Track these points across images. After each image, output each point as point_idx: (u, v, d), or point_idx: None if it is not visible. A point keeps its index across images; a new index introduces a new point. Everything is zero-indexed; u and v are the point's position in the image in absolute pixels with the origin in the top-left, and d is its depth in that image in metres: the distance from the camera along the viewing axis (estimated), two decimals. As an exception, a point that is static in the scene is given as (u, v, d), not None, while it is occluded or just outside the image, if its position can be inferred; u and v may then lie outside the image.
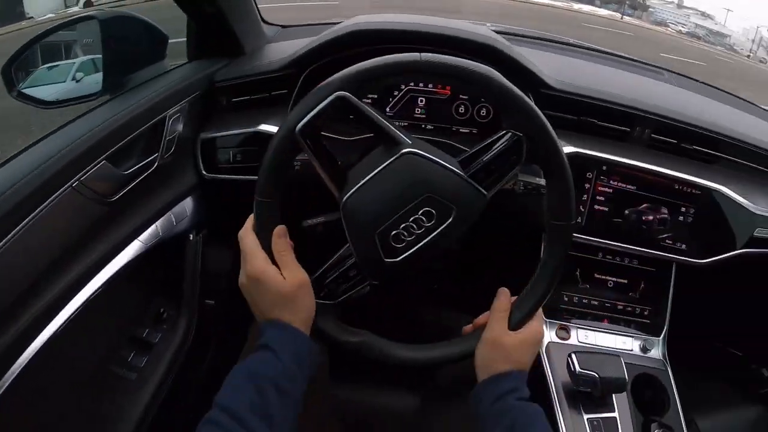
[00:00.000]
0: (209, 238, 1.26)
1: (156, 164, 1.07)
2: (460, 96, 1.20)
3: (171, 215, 1.14)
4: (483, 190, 0.80)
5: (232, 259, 1.36)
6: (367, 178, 0.78)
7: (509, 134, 0.79)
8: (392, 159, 0.78)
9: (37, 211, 0.82)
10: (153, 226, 1.09)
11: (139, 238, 1.05)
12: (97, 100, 1.11)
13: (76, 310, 0.90)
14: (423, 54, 0.77)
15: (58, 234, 0.87)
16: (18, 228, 0.79)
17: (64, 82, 1.30)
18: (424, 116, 1.22)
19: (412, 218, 0.77)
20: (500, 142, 0.79)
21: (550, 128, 0.79)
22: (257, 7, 1.38)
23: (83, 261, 0.93)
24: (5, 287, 0.79)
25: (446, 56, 0.78)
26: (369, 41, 1.15)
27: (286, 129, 0.78)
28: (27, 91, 1.19)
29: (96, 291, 0.94)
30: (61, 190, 0.86)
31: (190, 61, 1.32)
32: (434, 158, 0.78)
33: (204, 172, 1.19)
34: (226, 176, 1.19)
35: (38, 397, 0.91)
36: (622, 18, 23.70)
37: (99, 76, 1.21)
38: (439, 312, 1.37)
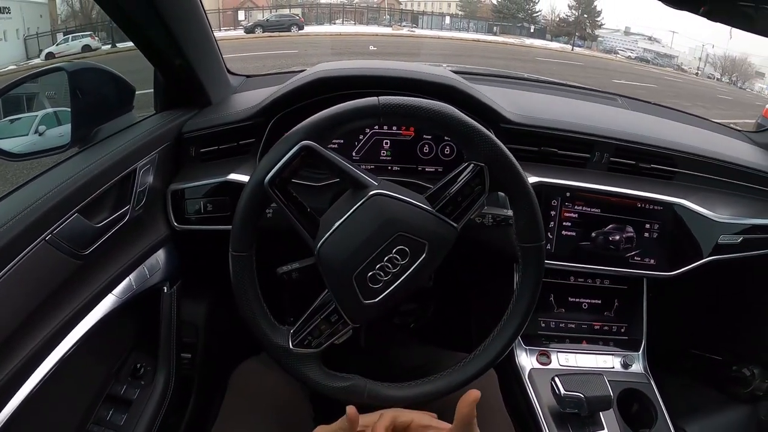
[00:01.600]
0: (184, 289, 1.25)
1: (128, 216, 1.07)
2: (424, 136, 1.24)
3: (144, 268, 1.13)
4: (453, 223, 0.81)
5: (207, 309, 1.36)
6: (338, 223, 0.80)
7: (471, 165, 0.81)
8: (361, 202, 0.80)
9: (9, 265, 0.81)
10: (127, 279, 1.08)
11: (113, 291, 1.04)
12: (65, 153, 1.11)
13: (51, 369, 0.88)
14: (381, 98, 0.80)
15: (31, 289, 0.86)
16: None
17: (27, 135, 1.29)
18: (389, 158, 1.25)
19: (386, 258, 0.79)
20: (464, 174, 0.81)
21: (510, 155, 0.81)
22: (222, 58, 1.40)
23: (57, 317, 0.91)
24: None
25: (403, 98, 0.81)
26: (332, 88, 1.18)
27: (254, 182, 0.80)
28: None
29: (70, 348, 0.92)
30: (34, 243, 0.85)
31: (157, 112, 1.33)
32: (401, 197, 0.81)
33: (175, 224, 1.19)
34: (198, 227, 1.19)
35: None
36: (572, 49, 24.70)
37: (62, 129, 1.21)
38: (416, 348, 1.38)
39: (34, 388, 0.85)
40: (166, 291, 1.19)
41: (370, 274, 0.79)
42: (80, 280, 0.97)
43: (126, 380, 1.17)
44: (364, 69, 1.23)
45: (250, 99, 1.29)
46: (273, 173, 0.78)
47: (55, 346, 0.90)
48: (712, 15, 0.74)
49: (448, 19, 28.33)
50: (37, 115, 1.31)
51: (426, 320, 1.61)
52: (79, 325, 0.95)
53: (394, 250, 0.79)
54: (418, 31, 24.67)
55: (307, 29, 21.69)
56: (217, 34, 1.36)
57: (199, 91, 1.30)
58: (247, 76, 1.58)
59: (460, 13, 29.53)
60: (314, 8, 26.25)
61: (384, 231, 0.79)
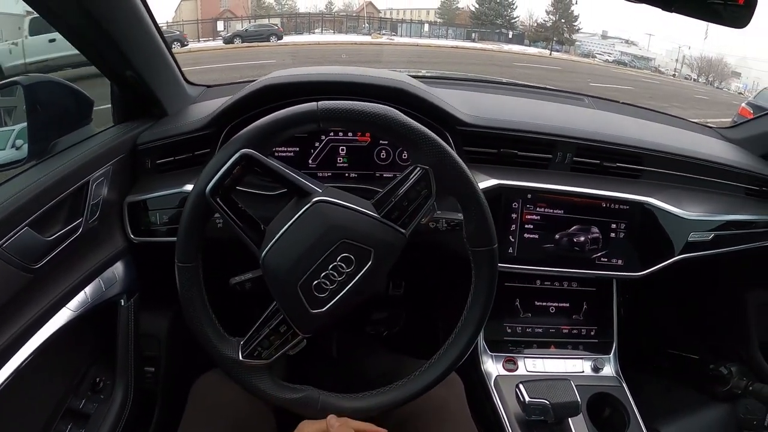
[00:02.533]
0: (143, 302, 1.23)
1: (81, 229, 1.04)
2: (381, 142, 1.22)
3: (100, 281, 1.11)
4: (400, 229, 0.80)
5: (169, 322, 1.33)
6: (282, 231, 0.79)
7: (417, 169, 0.80)
8: (304, 209, 0.79)
9: None
10: (82, 293, 1.06)
11: (68, 305, 1.02)
12: (21, 167, 1.08)
13: (2, 383, 0.86)
14: (320, 102, 0.79)
15: None
16: None
17: (4, 149, 1.26)
18: (346, 165, 1.23)
19: (331, 266, 0.78)
20: (409, 178, 0.80)
21: (455, 156, 0.80)
22: (180, 69, 1.38)
23: (7, 331, 0.89)
24: None
25: (343, 101, 0.80)
26: (282, 96, 1.16)
27: (196, 192, 0.79)
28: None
29: (24, 361, 0.90)
30: None
31: (115, 124, 1.30)
32: (345, 203, 0.79)
33: (132, 236, 1.17)
34: (155, 239, 1.17)
35: None
36: (550, 54, 24.96)
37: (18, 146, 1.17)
38: (387, 357, 1.35)
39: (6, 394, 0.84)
40: (123, 304, 1.17)
41: (315, 282, 0.78)
42: (31, 294, 0.95)
43: (85, 394, 1.14)
44: (308, 75, 1.21)
45: (206, 109, 1.27)
46: (213, 183, 0.77)
47: (6, 361, 0.88)
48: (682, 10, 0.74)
49: (426, 27, 28.55)
50: (14, 129, 1.28)
51: (398, 329, 1.58)
52: (32, 339, 0.93)
53: (339, 258, 0.78)
54: (397, 39, 24.81)
55: (286, 39, 21.74)
56: (196, 45, 1.35)
57: (154, 102, 1.28)
58: (208, 86, 1.56)
59: (438, 20, 29.79)
60: (293, 18, 26.31)
61: (327, 238, 0.78)
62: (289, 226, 0.79)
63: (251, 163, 0.78)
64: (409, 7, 31.18)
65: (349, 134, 1.21)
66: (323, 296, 0.78)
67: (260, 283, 0.84)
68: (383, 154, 1.22)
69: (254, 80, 1.30)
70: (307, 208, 0.79)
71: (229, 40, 21.21)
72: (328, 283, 0.78)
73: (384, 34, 25.85)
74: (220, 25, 23.99)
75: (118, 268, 1.16)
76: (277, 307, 0.82)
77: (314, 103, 0.79)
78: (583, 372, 1.25)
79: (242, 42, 20.69)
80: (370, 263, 0.79)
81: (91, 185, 1.08)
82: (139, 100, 1.29)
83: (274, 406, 1.10)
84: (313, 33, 25.15)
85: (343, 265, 0.78)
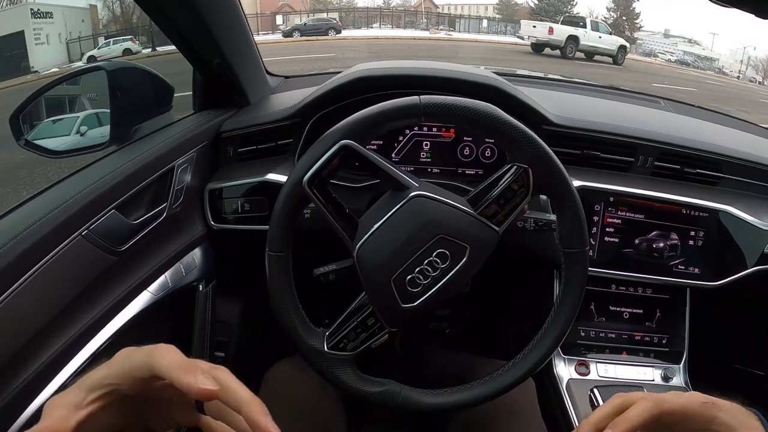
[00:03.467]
0: (219, 288, 1.25)
1: (165, 214, 1.07)
2: (465, 138, 1.21)
3: (180, 266, 1.14)
4: (494, 227, 0.79)
5: (241, 309, 1.36)
6: (378, 224, 0.78)
7: (514, 167, 0.79)
8: (401, 203, 0.78)
9: (45, 259, 0.82)
10: (162, 277, 1.08)
11: (149, 288, 1.05)
12: (104, 151, 1.13)
13: (83, 363, 0.89)
14: (422, 97, 0.79)
15: (66, 283, 0.87)
16: (26, 276, 0.79)
17: (69, 135, 1.31)
18: (429, 160, 1.23)
19: (426, 261, 0.78)
20: (506, 177, 0.79)
21: (554, 156, 0.80)
22: (262, 59, 1.41)
23: (92, 311, 0.92)
24: (8, 339, 0.78)
25: (445, 97, 0.79)
26: (371, 88, 1.17)
27: (293, 181, 0.80)
28: (34, 141, 1.21)
29: (104, 343, 0.93)
30: (71, 238, 0.86)
31: (196, 112, 1.34)
32: (443, 199, 0.79)
33: (212, 223, 1.19)
34: (234, 226, 1.19)
35: None
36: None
37: (103, 130, 1.23)
38: (451, 355, 1.35)
39: (65, 380, 0.86)
40: (201, 289, 1.20)
41: (409, 277, 0.78)
42: (115, 276, 0.98)
43: None
44: (404, 69, 1.22)
45: (289, 99, 1.29)
46: (311, 173, 0.77)
47: (88, 341, 0.91)
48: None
49: (485, 23, 28.22)
50: (78, 116, 1.34)
51: (462, 326, 1.58)
52: (113, 320, 0.96)
53: (435, 254, 0.78)
54: (455, 35, 24.58)
55: (345, 33, 21.82)
56: (255, 38, 1.37)
57: (238, 91, 1.31)
58: (286, 77, 1.58)
59: (497, 16, 29.40)
60: (351, 12, 26.44)
61: (424, 233, 0.77)
62: (386, 220, 0.78)
63: (350, 155, 0.78)
64: (468, 2, 30.92)
65: (434, 129, 1.21)
66: (416, 291, 0.78)
67: (344, 275, 0.84)
68: (467, 151, 1.22)
69: (336, 72, 1.32)
70: (404, 203, 0.78)
71: (288, 34, 21.43)
72: (421, 278, 0.78)
73: (442, 30, 25.71)
74: (278, 19, 24.34)
75: (197, 253, 1.19)
76: (365, 299, 0.82)
77: (416, 97, 0.79)
78: (653, 380, 1.21)
79: (301, 36, 20.88)
80: (464, 260, 0.78)
81: (176, 171, 1.11)
82: (222, 88, 1.32)
83: (343, 397, 1.12)
84: (371, 28, 25.18)
85: (438, 260, 0.78)
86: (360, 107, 0.81)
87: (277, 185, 1.07)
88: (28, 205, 0.91)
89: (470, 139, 1.21)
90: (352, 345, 0.82)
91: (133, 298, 1.01)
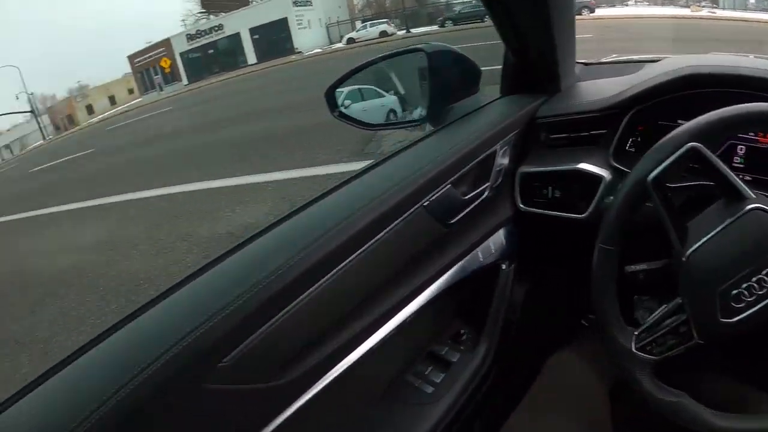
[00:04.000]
0: (516, 270, 1.28)
1: (486, 193, 1.14)
2: None
3: (490, 243, 1.19)
4: None
5: (527, 292, 1.37)
6: (714, 232, 0.77)
7: None
8: (739, 215, 0.76)
9: (391, 225, 0.92)
10: (474, 252, 1.15)
11: (463, 261, 1.12)
12: (422, 129, 1.24)
13: (402, 322, 0.99)
14: None
15: (403, 249, 0.96)
16: (374, 239, 0.89)
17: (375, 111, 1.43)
18: (742, 166, 1.08)
19: (755, 278, 0.74)
20: None
21: None
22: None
23: (416, 278, 1.01)
24: (353, 291, 0.89)
25: None
26: (701, 85, 1.08)
27: (636, 178, 0.81)
28: (347, 113, 1.36)
29: (420, 306, 1.02)
30: (415, 207, 0.96)
31: (503, 95, 1.37)
32: None
33: (521, 205, 1.23)
34: (543, 211, 1.20)
35: (346, 396, 0.99)
36: None
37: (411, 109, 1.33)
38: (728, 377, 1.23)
39: (386, 335, 0.97)
40: (504, 268, 1.25)
41: (735, 292, 0.75)
42: (442, 246, 1.07)
43: (446, 342, 1.25)
44: (746, 69, 1.06)
45: (600, 89, 1.26)
46: (658, 172, 0.77)
47: (410, 301, 1.01)
48: None
49: (753, -1, 24.54)
50: (343, 91, 1.44)
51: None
52: (431, 287, 1.05)
53: (765, 271, 0.74)
54: (719, 12, 21.75)
55: (599, 12, 20.66)
56: None
57: (553, 77, 1.30)
58: (585, 64, 1.52)
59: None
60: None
61: (759, 250, 0.74)
62: (722, 229, 0.76)
63: (698, 158, 0.77)
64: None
65: (750, 133, 1.06)
66: (738, 306, 0.75)
67: (652, 276, 0.85)
68: None
69: (641, 60, 1.29)
70: (742, 214, 0.76)
71: (441, 24, 21.16)
72: (747, 294, 0.74)
73: (704, 6, 22.98)
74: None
75: (504, 233, 1.23)
76: (680, 306, 0.80)
77: None
78: None
79: (453, 24, 20.70)
80: None
81: (498, 152, 1.16)
82: (536, 73, 1.31)
83: (610, 393, 1.12)
84: (626, 5, 23.52)
85: (766, 278, 0.74)
86: (680, 104, 0.84)
87: (590, 175, 1.10)
88: (369, 174, 1.03)
89: None
90: (658, 350, 0.82)
91: (449, 269, 1.09)
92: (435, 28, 22.53)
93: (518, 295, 1.34)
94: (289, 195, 4.52)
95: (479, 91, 1.35)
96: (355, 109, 1.43)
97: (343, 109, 1.38)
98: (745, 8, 22.87)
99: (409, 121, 1.34)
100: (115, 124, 21.72)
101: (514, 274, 1.27)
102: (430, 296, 1.05)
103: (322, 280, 0.82)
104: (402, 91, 1.48)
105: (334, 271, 0.84)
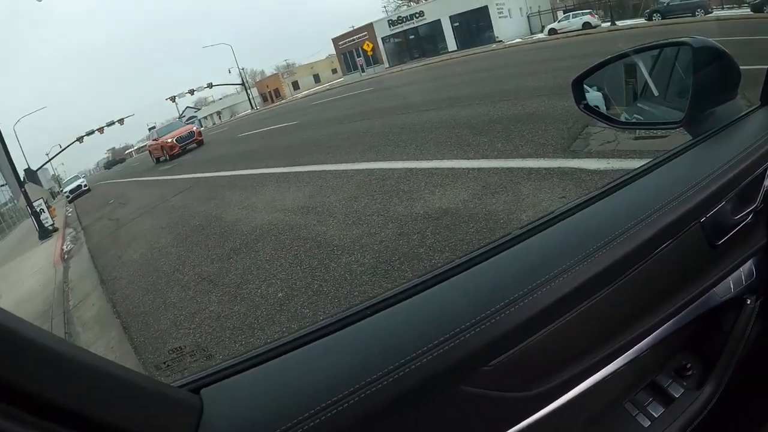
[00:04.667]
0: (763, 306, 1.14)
1: (751, 216, 1.02)
2: None
3: (741, 270, 1.07)
4: None
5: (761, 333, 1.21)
6: None
7: None
8: None
9: (670, 240, 0.86)
10: (727, 280, 1.04)
11: (716, 289, 1.02)
12: (682, 133, 1.14)
13: (640, 347, 0.92)
14: None
15: (669, 269, 0.90)
16: (653, 253, 0.83)
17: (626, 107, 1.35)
18: None
19: None
20: None
21: None
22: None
23: (674, 302, 0.93)
24: (617, 311, 0.84)
25: None
26: None
27: None
28: (594, 106, 1.29)
29: (668, 331, 0.95)
30: (691, 224, 0.89)
31: (763, 104, 1.22)
32: None
33: None
34: None
35: (572, 416, 0.92)
36: None
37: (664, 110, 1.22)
38: None
39: (625, 359, 0.91)
40: (749, 303, 1.11)
41: None
42: (702, 269, 0.98)
43: (670, 374, 1.13)
44: None
45: None
46: None
47: (661, 325, 0.94)
48: None
49: None
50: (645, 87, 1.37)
51: None
52: (683, 313, 0.97)
53: None
54: None
55: (716, 13, 17.98)
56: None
57: None
58: None
59: None
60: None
61: None
62: None
63: None
64: None
65: None
66: None
67: None
68: None
69: None
70: None
71: (648, 17, 18.90)
72: None
73: None
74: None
75: (755, 263, 1.11)
76: None
77: None
78: None
79: (662, 18, 18.41)
80: None
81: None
82: None
83: None
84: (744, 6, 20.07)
85: None
86: None
87: None
88: (645, 179, 0.97)
89: None
90: None
91: (700, 297, 1.00)
92: (642, 21, 20.91)
93: (759, 334, 1.19)
94: (490, 184, 4.46)
95: (738, 96, 1.20)
96: (603, 102, 1.36)
97: (589, 102, 1.32)
98: None
99: (665, 123, 1.25)
100: (319, 100, 23.12)
101: (759, 310, 1.13)
102: (680, 325, 0.98)
103: (594, 296, 0.78)
104: (654, 90, 1.37)
105: (607, 288, 0.80)
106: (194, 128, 22.52)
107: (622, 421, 1.06)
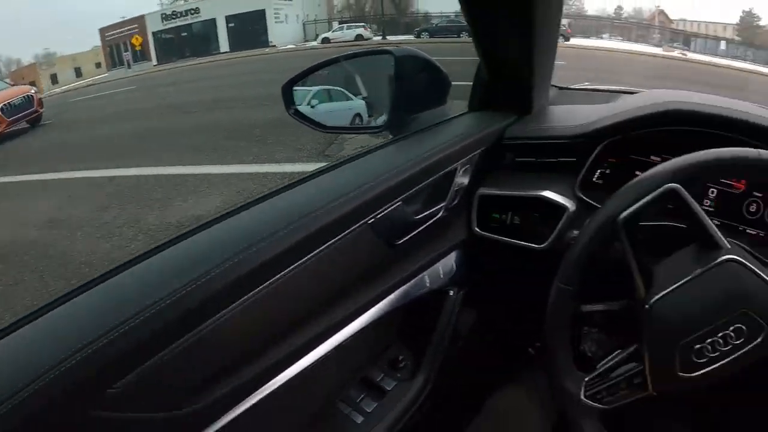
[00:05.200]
0: (464, 296, 1.21)
1: (440, 214, 1.06)
2: (754, 193, 0.99)
3: (439, 266, 1.12)
4: None
5: (472, 321, 1.30)
6: (682, 282, 0.72)
7: None
8: (711, 265, 0.72)
9: (332, 240, 0.83)
10: (422, 275, 1.08)
11: (408, 284, 1.04)
12: (384, 137, 1.15)
13: (338, 345, 0.91)
14: (764, 152, 0.72)
15: (343, 267, 0.88)
16: (311, 254, 0.80)
17: (301, 105, 1.33)
18: (712, 209, 1.02)
19: (720, 333, 0.70)
20: None
21: None
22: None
23: (358, 298, 0.93)
24: (286, 310, 0.81)
25: None
26: (681, 123, 1.01)
27: (607, 216, 0.76)
28: (303, 112, 1.26)
29: (358, 329, 0.95)
30: (360, 223, 0.87)
31: (471, 110, 1.31)
32: (758, 272, 0.70)
33: (476, 229, 1.15)
34: (498, 237, 1.13)
35: (264, 425, 0.89)
36: None
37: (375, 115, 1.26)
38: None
39: (317, 359, 0.89)
40: (451, 295, 1.17)
41: (698, 346, 0.71)
42: (385, 268, 0.99)
43: (383, 369, 1.16)
44: (727, 110, 1.00)
45: (573, 115, 1.19)
46: (631, 212, 0.73)
47: (347, 324, 0.93)
48: None
49: (723, 44, 25.45)
50: (311, 90, 1.37)
51: None
52: (371, 310, 0.97)
53: (731, 328, 0.70)
54: (690, 55, 22.44)
55: (573, 41, 21.01)
56: None
57: (524, 96, 1.23)
58: (559, 88, 1.46)
59: (736, 38, 26.37)
60: (580, 20, 25.49)
61: (729, 304, 0.70)
62: (691, 279, 0.71)
63: (675, 200, 0.72)
64: (704, 20, 28.11)
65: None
66: (699, 362, 0.71)
67: (609, 319, 0.82)
68: (753, 208, 0.99)
69: (614, 90, 1.27)
70: (715, 265, 0.71)
71: (417, 35, 21.52)
72: (710, 349, 0.71)
73: (676, 48, 23.69)
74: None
75: (455, 257, 1.16)
76: (636, 353, 0.76)
77: (756, 150, 0.71)
78: None
79: (429, 36, 20.96)
80: (758, 341, 0.70)
81: (459, 171, 1.08)
82: (508, 91, 1.24)
83: None
84: (601, 38, 24.08)
85: (732, 335, 0.70)
86: (654, 141, 0.83)
87: (552, 204, 1.04)
88: (314, 182, 0.93)
89: (760, 194, 0.99)
90: (608, 399, 0.78)
91: (393, 292, 1.01)
92: (411, 37, 22.67)
93: (464, 322, 1.27)
94: (246, 189, 4.40)
95: (447, 104, 1.27)
96: (321, 109, 1.34)
97: (299, 107, 1.29)
98: (716, 53, 23.61)
99: (369, 128, 1.26)
100: (78, 97, 21.09)
101: (462, 300, 1.20)
102: (371, 319, 0.98)
103: (248, 295, 0.73)
104: (366, 95, 1.39)
105: (263, 285, 0.75)
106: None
107: (335, 420, 1.06)
